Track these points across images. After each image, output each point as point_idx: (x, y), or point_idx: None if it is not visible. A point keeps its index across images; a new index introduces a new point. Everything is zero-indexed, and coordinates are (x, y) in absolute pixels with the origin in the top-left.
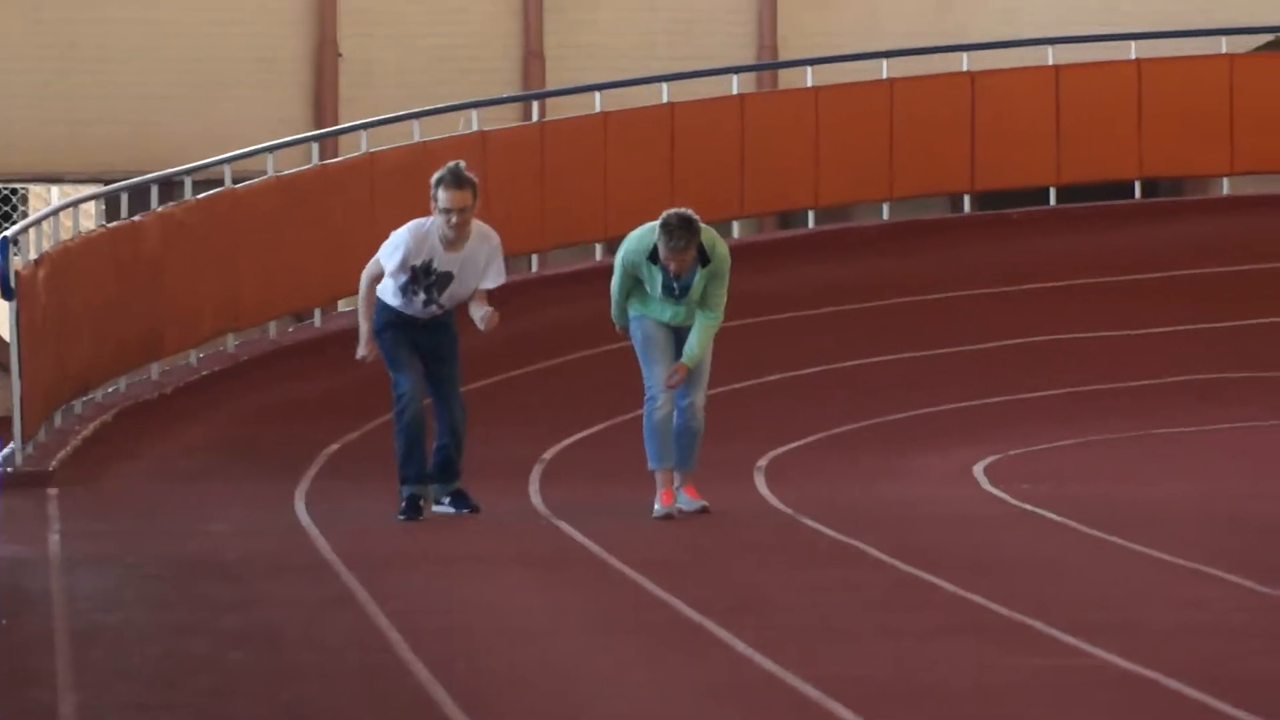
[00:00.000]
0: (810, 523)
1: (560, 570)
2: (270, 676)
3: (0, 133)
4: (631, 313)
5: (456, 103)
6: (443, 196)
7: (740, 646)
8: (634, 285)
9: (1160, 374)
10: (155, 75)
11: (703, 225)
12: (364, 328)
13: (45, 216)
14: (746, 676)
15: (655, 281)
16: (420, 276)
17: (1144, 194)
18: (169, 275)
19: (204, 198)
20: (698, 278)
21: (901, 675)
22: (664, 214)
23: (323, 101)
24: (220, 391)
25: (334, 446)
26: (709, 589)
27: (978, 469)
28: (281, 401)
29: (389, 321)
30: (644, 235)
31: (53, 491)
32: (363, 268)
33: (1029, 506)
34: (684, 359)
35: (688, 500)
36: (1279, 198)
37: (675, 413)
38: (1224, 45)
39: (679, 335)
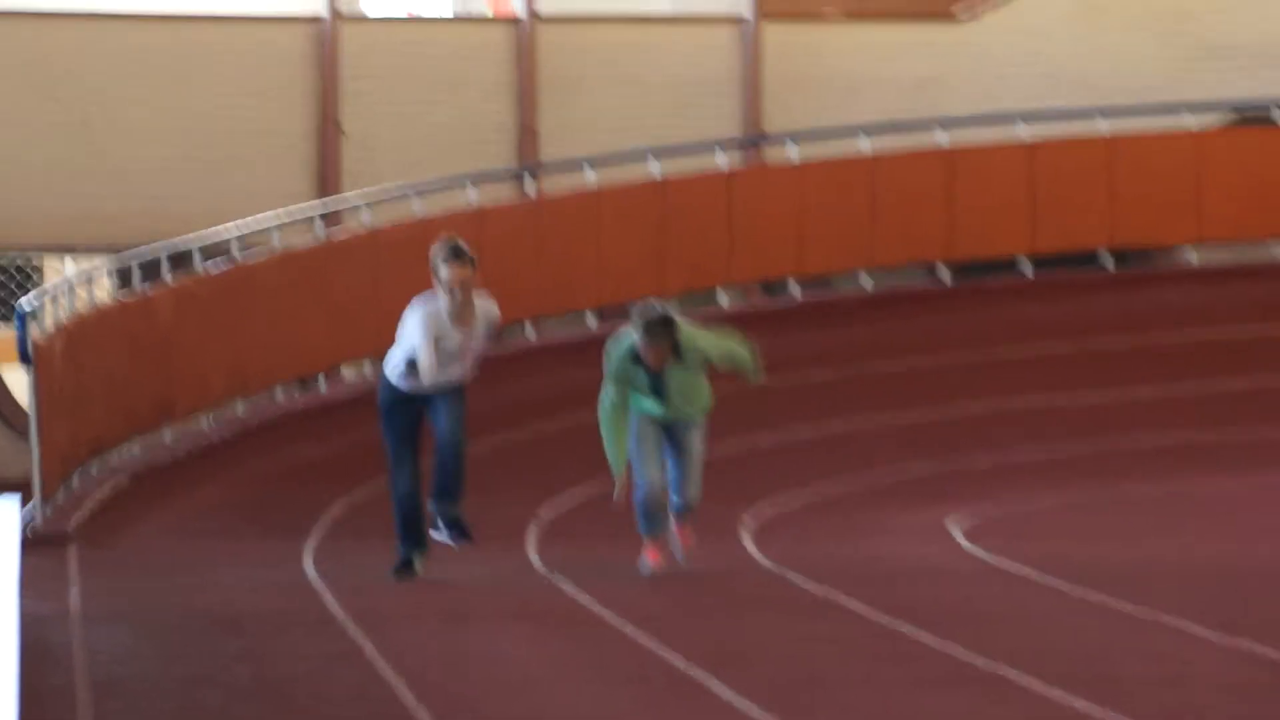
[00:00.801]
0: (796, 578)
1: (558, 625)
2: None
3: (15, 206)
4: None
5: (455, 176)
6: (444, 271)
7: (729, 695)
8: (619, 383)
9: (1133, 436)
10: (164, 151)
11: (683, 326)
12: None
13: (61, 288)
14: None
15: (642, 381)
16: (438, 349)
17: (1115, 263)
18: (180, 344)
19: (212, 270)
20: (676, 377)
21: (906, 702)
22: (641, 311)
23: (326, 176)
24: (230, 455)
25: (339, 506)
26: (700, 641)
27: (957, 528)
28: (288, 464)
29: (394, 403)
30: (623, 337)
31: (72, 550)
32: (365, 336)
33: (1007, 563)
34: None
35: (682, 547)
36: (1245, 267)
37: (676, 470)
38: (1190, 121)
39: (669, 431)
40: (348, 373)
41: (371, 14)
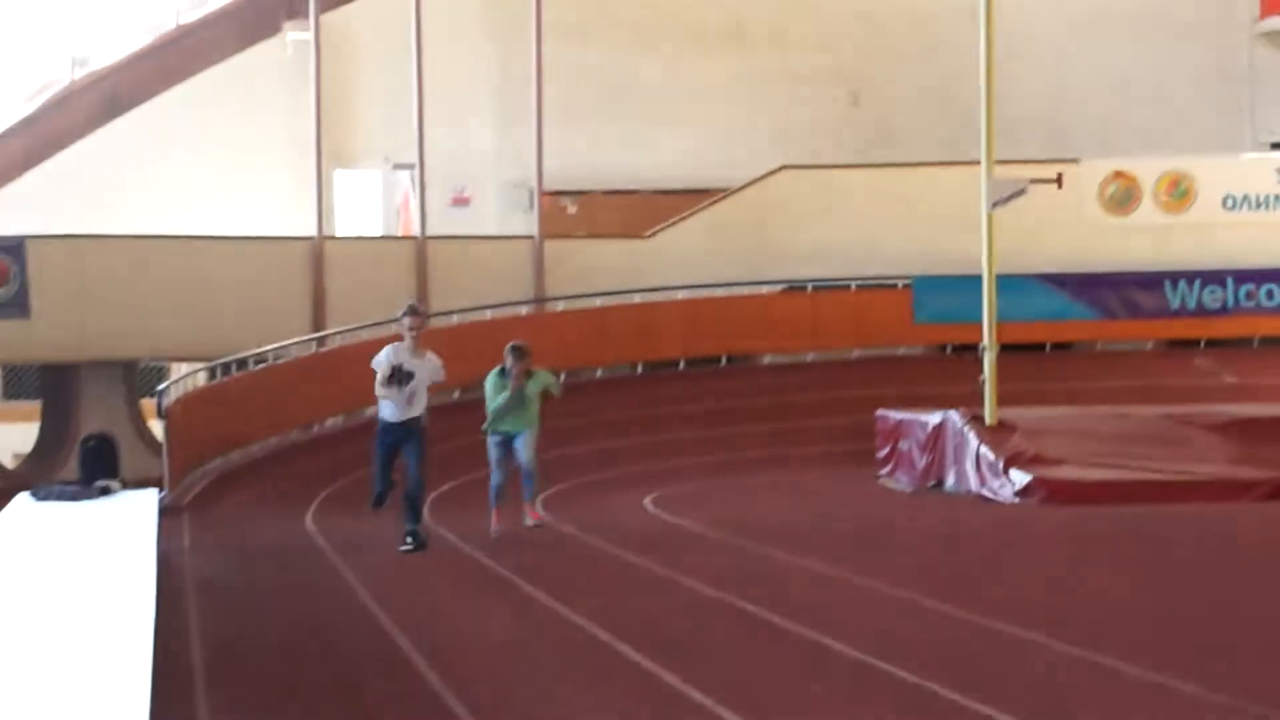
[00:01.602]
0: (566, 528)
1: (437, 553)
2: (299, 604)
3: (158, 337)
4: (490, 433)
5: (387, 320)
6: (406, 321)
7: (531, 589)
8: (490, 400)
9: (740, 452)
10: (235, 306)
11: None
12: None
13: (179, 379)
14: (538, 613)
15: (505, 391)
16: (396, 374)
17: (727, 362)
18: (241, 407)
19: (255, 369)
20: (529, 386)
21: (626, 594)
22: (510, 343)
23: (318, 319)
24: (266, 465)
25: (324, 494)
26: (514, 558)
27: (649, 501)
28: (298, 469)
29: (382, 430)
30: (497, 370)
31: (185, 515)
32: (339, 402)
33: (675, 520)
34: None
35: (531, 520)
36: (801, 365)
37: (520, 468)
38: (763, 289)
39: (511, 445)
40: (331, 422)
41: (340, 234)
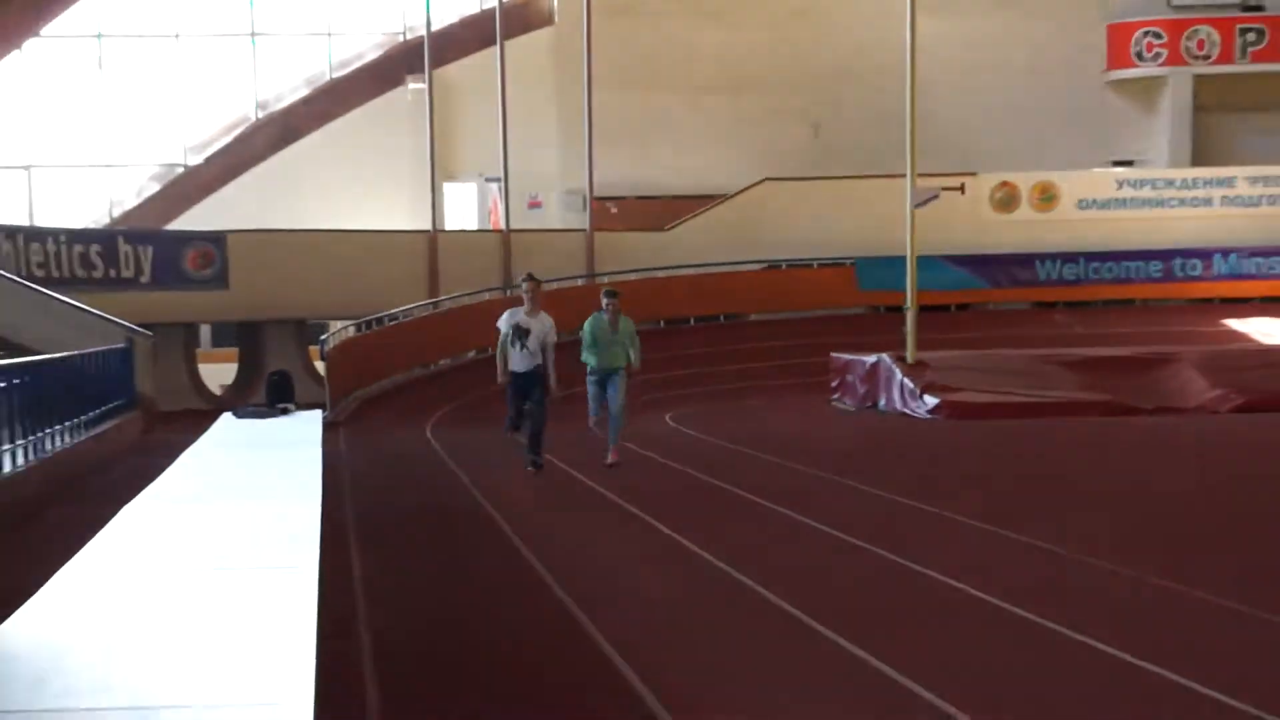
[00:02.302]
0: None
1: (548, 475)
2: (420, 487)
3: (318, 299)
4: (588, 364)
5: (481, 288)
6: (525, 286)
7: (634, 510)
8: (591, 341)
9: (734, 383)
10: (374, 277)
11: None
12: (500, 365)
13: (335, 332)
14: (630, 525)
15: (603, 327)
16: (518, 331)
17: (725, 319)
18: (381, 348)
19: (390, 323)
20: (622, 325)
21: (677, 491)
22: (605, 288)
23: (432, 288)
24: (397, 394)
25: (440, 413)
26: (616, 483)
27: (669, 419)
28: (421, 397)
29: (511, 380)
30: (596, 314)
31: (341, 429)
32: (447, 347)
33: (688, 432)
34: (630, 363)
35: (611, 459)
36: (777, 321)
37: (609, 412)
38: (751, 266)
39: (607, 386)
40: (442, 362)
41: (449, 229)
